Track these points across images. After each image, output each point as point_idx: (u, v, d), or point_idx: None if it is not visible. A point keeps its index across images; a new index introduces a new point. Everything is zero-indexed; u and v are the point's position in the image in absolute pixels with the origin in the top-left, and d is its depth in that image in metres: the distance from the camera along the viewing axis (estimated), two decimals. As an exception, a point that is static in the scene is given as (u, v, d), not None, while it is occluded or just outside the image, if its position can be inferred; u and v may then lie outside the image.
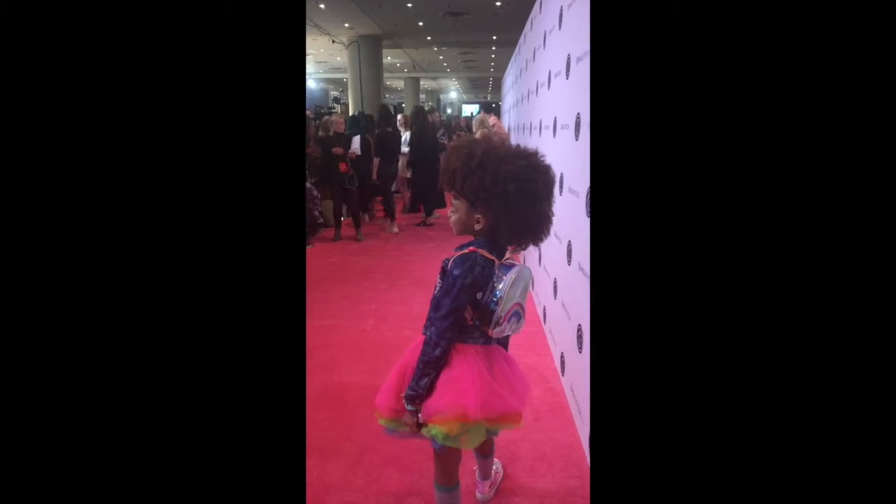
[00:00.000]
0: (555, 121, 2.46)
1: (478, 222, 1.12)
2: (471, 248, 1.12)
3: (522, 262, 1.15)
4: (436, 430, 1.10)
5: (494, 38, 12.34)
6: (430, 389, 1.12)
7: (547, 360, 2.33)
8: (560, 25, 2.34)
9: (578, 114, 1.88)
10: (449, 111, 22.94)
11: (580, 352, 1.76)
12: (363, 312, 2.94)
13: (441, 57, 16.13)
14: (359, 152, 4.64)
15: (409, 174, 5.97)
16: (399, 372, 1.22)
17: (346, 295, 3.23)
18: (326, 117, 5.95)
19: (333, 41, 11.94)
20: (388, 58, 15.26)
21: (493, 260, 1.11)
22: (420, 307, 3.00)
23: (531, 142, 3.39)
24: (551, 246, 2.47)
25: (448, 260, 1.14)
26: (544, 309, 2.69)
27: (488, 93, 25.73)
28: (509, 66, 6.79)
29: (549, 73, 2.70)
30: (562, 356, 2.14)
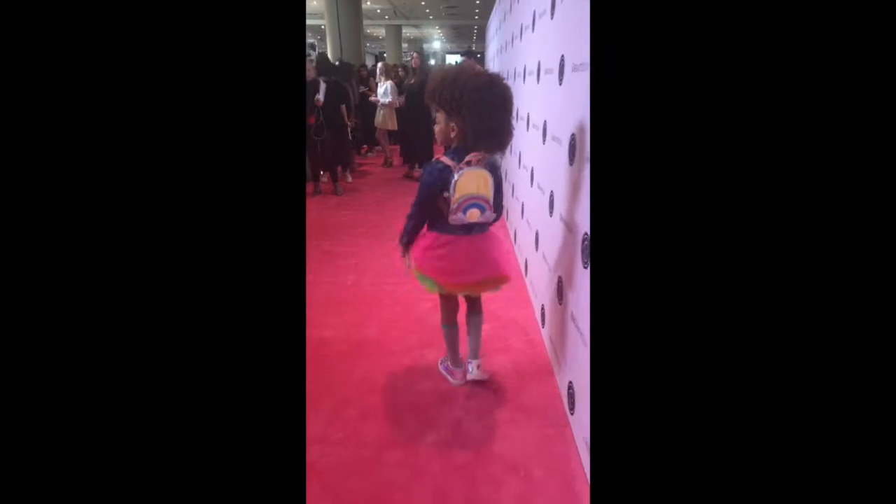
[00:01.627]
0: (538, 65, 2.35)
1: (452, 130, 1.48)
2: (437, 157, 1.51)
3: (484, 169, 1.49)
4: (420, 278, 1.63)
5: (479, -18, 11.77)
6: (409, 240, 1.64)
7: (527, 313, 2.33)
8: (545, -40, 2.19)
9: (563, 56, 1.78)
10: (433, 62, 22.18)
11: (560, 303, 1.75)
12: (343, 267, 2.89)
13: (423, 3, 15.42)
14: (322, 99, 4.36)
15: (389, 126, 5.77)
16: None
17: (326, 249, 3.17)
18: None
19: (309, -16, 11.27)
20: (368, 3, 14.54)
21: (450, 166, 1.47)
22: (399, 260, 2.96)
23: (518, 90, 3.26)
24: (533, 197, 2.42)
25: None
26: (526, 261, 2.66)
27: (473, 42, 24.86)
28: (493, 10, 6.49)
29: (534, 14, 2.56)
30: (542, 308, 2.13)
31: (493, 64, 6.08)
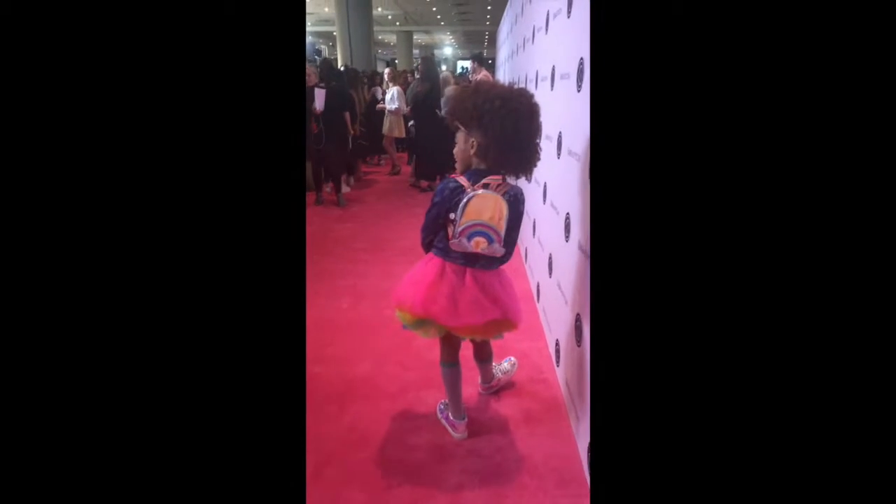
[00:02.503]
0: (553, 70, 2.11)
1: (472, 147, 1.30)
2: (453, 175, 1.34)
3: (501, 196, 1.29)
4: (398, 314, 1.43)
5: (490, -14, 11.59)
6: (425, 250, 1.45)
7: (540, 346, 2.08)
8: (561, -47, 1.96)
9: (581, 59, 1.54)
10: (444, 67, 22.09)
11: (578, 345, 1.50)
12: (339, 288, 2.67)
13: (434, 9, 15.29)
14: (320, 108, 4.12)
15: (395, 133, 5.54)
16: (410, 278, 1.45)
17: (322, 267, 2.95)
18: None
19: (319, -10, 11.17)
20: (379, 9, 14.44)
21: (462, 185, 1.30)
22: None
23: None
24: (546, 217, 2.18)
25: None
26: (538, 286, 2.41)
27: (484, 48, 24.72)
28: (504, 14, 6.28)
29: (548, 15, 2.33)
30: (556, 344, 1.88)
31: (503, 69, 5.86)
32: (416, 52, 21.63)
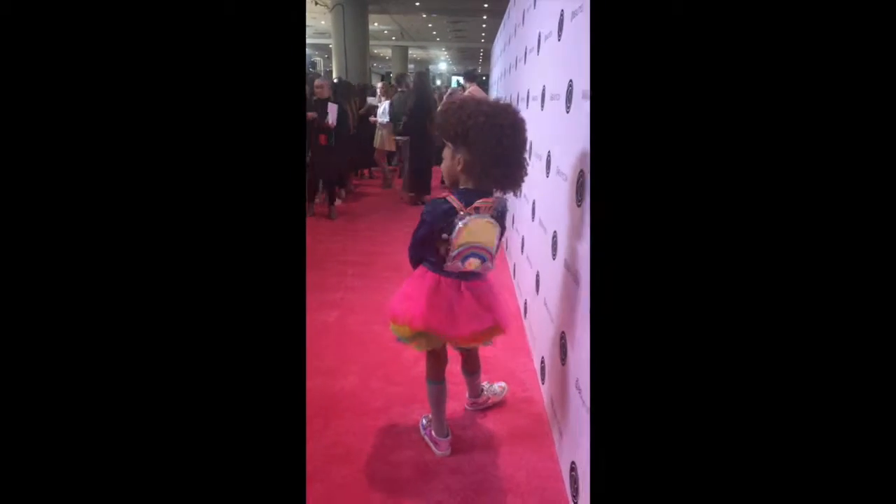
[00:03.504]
0: (543, 91, 2.15)
1: (459, 163, 1.31)
2: (445, 194, 1.33)
3: (491, 219, 1.33)
4: (393, 328, 1.43)
5: (486, 5, 11.79)
6: (413, 265, 1.46)
7: (526, 362, 2.09)
8: (552, -22, 2.01)
9: (571, 81, 1.57)
10: (438, 82, 22.27)
11: (563, 363, 1.51)
12: (327, 302, 2.66)
13: (430, 25, 15.49)
14: (333, 122, 4.18)
15: (387, 147, 5.56)
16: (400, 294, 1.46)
17: (311, 281, 2.94)
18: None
19: (316, 3, 11.26)
20: (375, 24, 14.60)
21: (455, 208, 1.30)
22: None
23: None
24: (535, 234, 2.20)
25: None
26: (525, 303, 2.42)
27: (479, 64, 25.02)
28: (498, 33, 6.38)
29: (539, 36, 2.37)
30: (542, 361, 1.89)
31: (496, 87, 5.94)
32: (411, 66, 21.84)
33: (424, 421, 1.62)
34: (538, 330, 2.00)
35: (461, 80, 5.01)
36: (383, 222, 4.41)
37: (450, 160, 1.34)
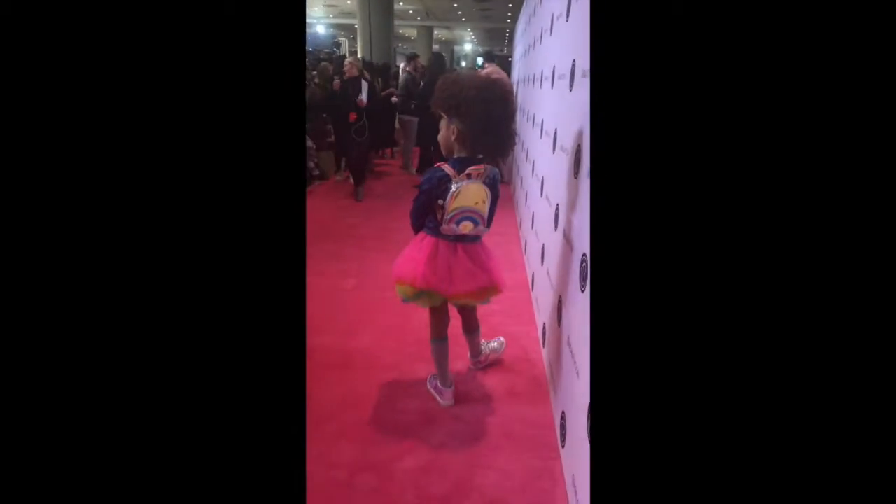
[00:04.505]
0: (553, 70, 2.23)
1: (453, 133, 1.44)
2: (438, 164, 1.47)
3: (483, 184, 1.46)
4: (399, 289, 1.57)
5: (511, -16, 11.64)
6: (415, 231, 1.60)
7: (530, 329, 2.21)
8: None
9: (574, 61, 1.66)
10: (463, 63, 22.10)
11: (558, 325, 1.63)
12: (345, 270, 2.82)
13: (455, 5, 15.36)
14: (366, 100, 4.28)
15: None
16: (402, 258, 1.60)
17: (330, 252, 3.11)
18: (324, 63, 5.63)
19: (342, -17, 11.30)
20: (401, 3, 14.55)
21: (449, 175, 1.44)
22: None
23: (535, 95, 3.14)
24: (542, 209, 2.30)
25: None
26: (533, 275, 2.54)
27: (504, 45, 24.69)
28: (521, 13, 6.37)
29: (552, 17, 2.44)
30: (543, 326, 2.01)
31: (518, 67, 5.96)
32: (435, 47, 21.71)
33: (431, 377, 1.77)
34: (542, 298, 2.12)
35: (478, 62, 5.06)
36: (401, 201, 4.55)
37: (445, 130, 1.47)
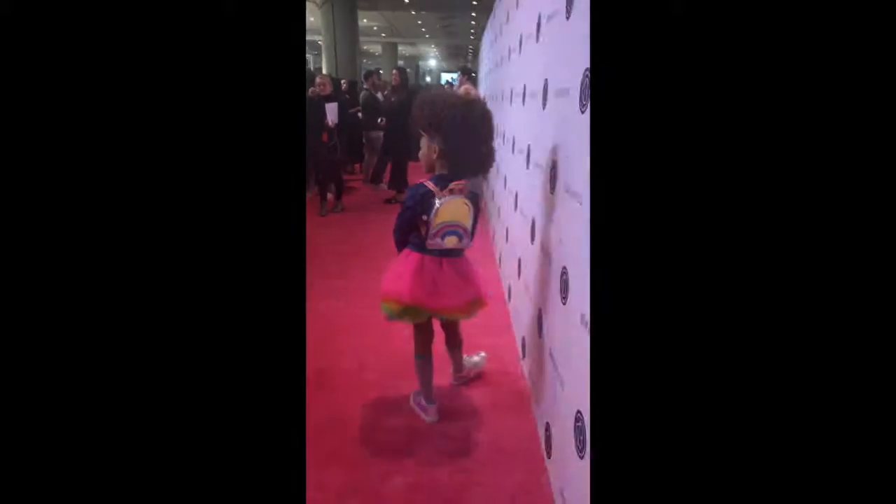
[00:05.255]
0: (524, 88, 2.29)
1: (434, 152, 1.48)
2: (422, 180, 1.51)
3: (465, 199, 1.50)
4: (384, 307, 1.57)
5: (475, 3, 11.90)
6: (399, 249, 1.62)
7: (508, 341, 2.24)
8: (531, -17, 2.15)
9: (546, 80, 1.72)
10: (428, 79, 22.32)
11: (539, 337, 1.66)
12: (330, 288, 2.79)
13: (419, 21, 15.57)
14: (333, 121, 4.26)
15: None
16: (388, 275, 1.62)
17: (313, 270, 3.06)
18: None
19: None
20: (364, 21, 14.65)
21: (432, 191, 1.47)
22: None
23: (505, 111, 3.22)
24: (517, 222, 2.35)
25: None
26: (509, 288, 2.58)
27: (468, 61, 25.10)
28: (485, 31, 6.52)
29: (521, 37, 2.52)
30: (523, 339, 2.04)
31: (484, 84, 6.08)
32: (400, 62, 21.90)
33: (414, 394, 1.77)
34: (521, 311, 2.15)
35: (452, 77, 5.15)
36: (374, 215, 4.54)
37: (426, 148, 1.51)
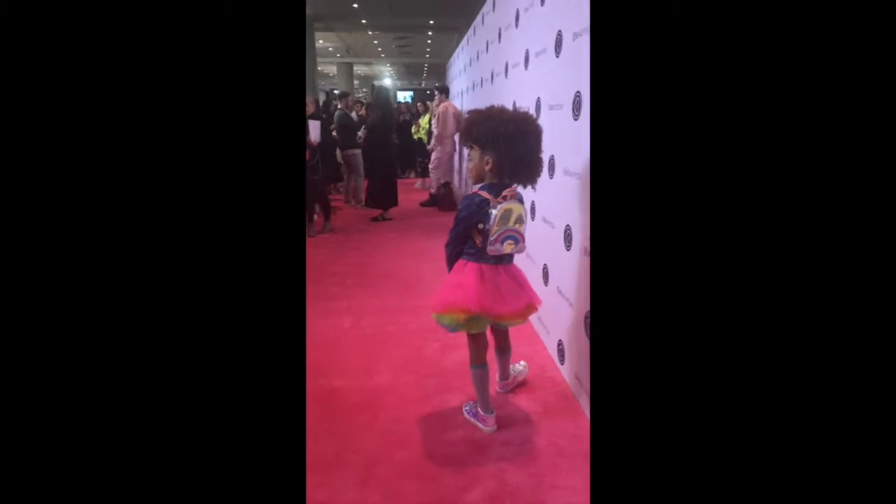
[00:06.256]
0: (514, 104, 2.38)
1: (487, 164, 1.54)
2: (474, 190, 1.57)
3: (520, 203, 1.56)
4: (447, 319, 1.58)
5: (431, 22, 12.12)
6: (450, 263, 1.65)
7: (539, 348, 2.28)
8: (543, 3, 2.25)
9: (539, 98, 1.82)
10: (401, 99, 22.43)
11: (588, 338, 1.71)
12: (336, 310, 2.75)
13: (375, 42, 15.68)
14: (315, 139, 4.22)
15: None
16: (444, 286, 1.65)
17: (312, 292, 3.02)
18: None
19: (262, 22, 11.20)
20: (321, 42, 14.62)
21: (487, 199, 1.53)
22: (396, 299, 2.85)
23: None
24: (540, 232, 2.41)
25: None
26: (528, 296, 2.62)
27: (423, 79, 25.41)
28: (458, 49, 6.68)
29: (507, 64, 2.61)
30: (559, 344, 2.08)
31: (460, 100, 6.20)
32: (355, 83, 21.92)
33: (468, 406, 1.77)
34: (552, 318, 2.20)
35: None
36: (359, 234, 4.52)
37: (478, 161, 1.57)
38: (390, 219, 4.98)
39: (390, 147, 4.90)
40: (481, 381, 1.68)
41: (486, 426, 1.68)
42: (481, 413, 1.70)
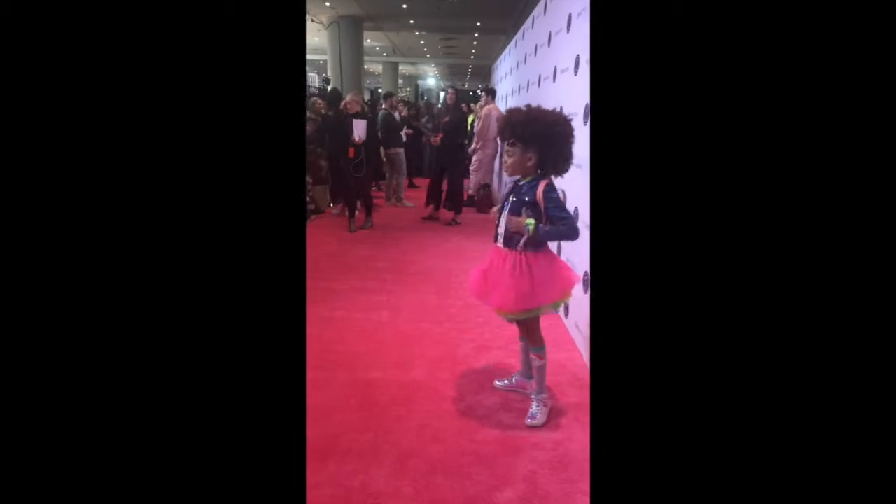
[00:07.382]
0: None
1: (529, 160, 1.67)
2: (546, 182, 1.67)
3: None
4: (558, 304, 1.80)
5: (479, 24, 12.14)
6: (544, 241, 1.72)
7: (574, 357, 2.27)
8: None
9: (561, 107, 1.81)
10: (425, 98, 22.59)
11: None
12: (375, 303, 2.82)
13: (422, 42, 15.82)
14: (360, 137, 4.33)
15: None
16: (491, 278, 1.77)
17: (353, 286, 3.09)
18: (313, 98, 5.69)
19: (312, 20, 11.50)
20: (368, 41, 14.86)
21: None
22: (432, 297, 2.89)
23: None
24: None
25: (523, 187, 1.71)
26: (567, 304, 2.61)
27: (466, 80, 25.47)
28: (502, 55, 6.68)
29: (539, 77, 2.60)
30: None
31: (503, 104, 6.20)
32: (400, 81, 22.18)
33: (538, 393, 1.82)
34: (583, 311, 2.19)
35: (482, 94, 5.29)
36: (398, 231, 4.59)
37: (521, 157, 1.68)
38: (460, 223, 4.88)
39: (465, 149, 5.07)
40: (544, 365, 1.83)
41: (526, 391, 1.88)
42: (546, 399, 1.83)
